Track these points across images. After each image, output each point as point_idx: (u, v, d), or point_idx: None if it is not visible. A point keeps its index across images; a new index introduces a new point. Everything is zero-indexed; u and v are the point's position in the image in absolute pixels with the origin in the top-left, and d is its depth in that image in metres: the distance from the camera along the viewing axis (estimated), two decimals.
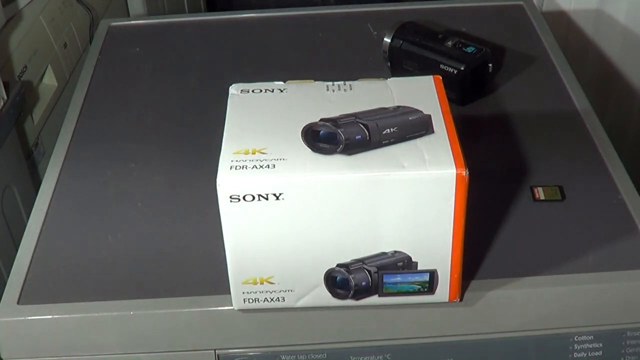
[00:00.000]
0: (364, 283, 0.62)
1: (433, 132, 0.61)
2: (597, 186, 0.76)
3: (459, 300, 0.65)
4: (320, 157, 0.59)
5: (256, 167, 0.58)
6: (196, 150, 0.82)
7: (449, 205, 0.59)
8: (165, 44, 1.03)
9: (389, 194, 0.59)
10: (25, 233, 0.74)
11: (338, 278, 0.62)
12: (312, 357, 0.68)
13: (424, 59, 0.89)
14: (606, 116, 1.26)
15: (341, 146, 0.59)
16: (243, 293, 0.64)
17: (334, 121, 0.61)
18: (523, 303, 0.67)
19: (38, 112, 1.10)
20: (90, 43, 1.14)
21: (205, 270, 0.69)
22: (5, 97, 0.98)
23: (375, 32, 1.01)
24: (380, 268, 0.62)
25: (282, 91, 0.66)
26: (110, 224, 0.74)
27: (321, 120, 0.61)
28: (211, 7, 1.87)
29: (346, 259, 0.62)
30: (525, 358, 0.70)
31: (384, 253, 0.62)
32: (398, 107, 0.63)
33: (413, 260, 0.62)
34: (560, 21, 1.27)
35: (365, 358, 0.69)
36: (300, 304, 0.64)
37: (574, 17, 1.28)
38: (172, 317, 0.66)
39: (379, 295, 0.64)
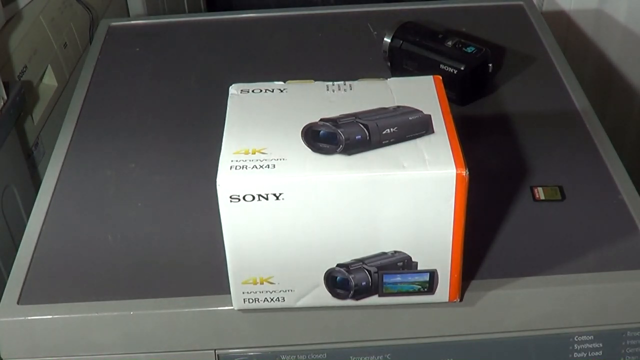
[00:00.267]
0: (364, 283, 0.62)
1: (433, 132, 0.61)
2: (597, 186, 0.76)
3: (459, 300, 0.65)
4: (320, 157, 0.59)
5: (256, 167, 0.58)
6: (196, 150, 0.82)
7: (449, 205, 0.59)
8: (165, 44, 1.03)
9: (389, 194, 0.59)
10: (25, 233, 0.74)
11: (338, 278, 0.62)
12: (312, 357, 0.68)
13: (424, 59, 0.89)
14: (606, 116, 1.26)
15: (341, 146, 0.59)
16: (243, 293, 0.64)
17: (334, 121, 0.61)
18: (523, 303, 0.67)
19: (38, 112, 1.10)
20: (90, 43, 1.14)
21: (205, 270, 0.69)
22: (5, 97, 0.98)
23: (375, 32, 1.01)
24: (380, 268, 0.62)
25: (282, 91, 0.66)
26: (110, 224, 0.74)
27: (321, 120, 0.61)
28: (211, 7, 1.87)
29: (346, 259, 0.62)
30: (525, 358, 0.70)
31: (384, 253, 0.62)
32: (398, 107, 0.63)
33: (413, 260, 0.62)
34: (560, 21, 1.27)
35: (365, 358, 0.69)
36: (300, 304, 0.64)
37: (574, 17, 1.28)
38: (172, 317, 0.66)
39: (379, 295, 0.64)
